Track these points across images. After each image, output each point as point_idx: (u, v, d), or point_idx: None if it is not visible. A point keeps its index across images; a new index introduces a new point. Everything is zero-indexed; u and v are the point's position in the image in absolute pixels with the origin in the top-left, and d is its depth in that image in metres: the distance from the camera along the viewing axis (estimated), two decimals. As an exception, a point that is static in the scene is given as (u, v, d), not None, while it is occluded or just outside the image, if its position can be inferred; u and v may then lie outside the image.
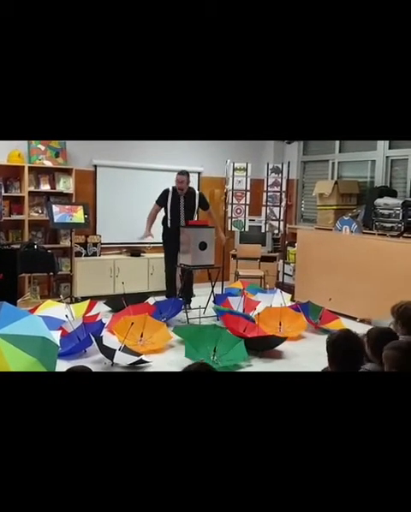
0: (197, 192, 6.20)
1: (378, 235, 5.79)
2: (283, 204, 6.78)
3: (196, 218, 6.17)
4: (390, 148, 6.33)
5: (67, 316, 4.67)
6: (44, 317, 4.64)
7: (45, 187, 6.22)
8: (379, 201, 5.89)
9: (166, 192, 6.09)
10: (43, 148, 6.16)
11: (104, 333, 4.65)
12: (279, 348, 4.64)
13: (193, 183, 7.44)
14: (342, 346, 2.45)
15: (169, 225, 6.07)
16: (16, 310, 3.67)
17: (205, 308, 5.69)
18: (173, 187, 6.06)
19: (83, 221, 6.19)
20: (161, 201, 6.08)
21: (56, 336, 3.88)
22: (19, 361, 3.13)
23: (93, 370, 2.57)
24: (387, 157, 6.37)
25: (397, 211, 5.66)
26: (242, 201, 6.78)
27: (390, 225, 5.73)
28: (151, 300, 5.57)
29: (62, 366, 3.46)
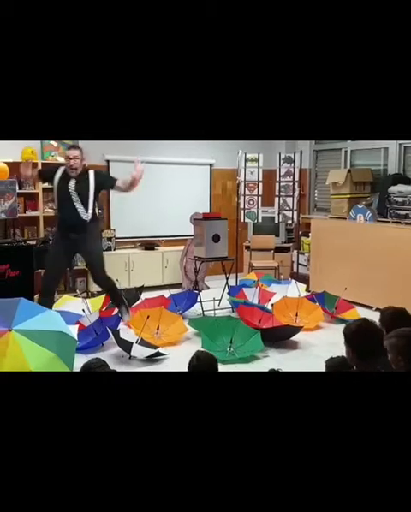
0: (91, 172, 4.63)
1: (393, 222, 5.75)
2: (296, 194, 6.75)
3: (95, 206, 4.62)
4: (403, 135, 6.26)
5: (84, 310, 4.73)
6: (61, 312, 4.70)
7: (59, 183, 6.25)
8: (393, 189, 5.84)
9: (53, 169, 4.67)
10: (55, 144, 6.20)
11: (121, 326, 4.70)
12: (295, 338, 4.65)
13: (205, 175, 7.47)
14: (363, 338, 2.40)
15: (58, 222, 4.75)
16: (34, 306, 3.71)
17: (220, 300, 5.70)
18: (63, 168, 4.58)
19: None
20: (45, 173, 4.78)
21: (73, 331, 3.93)
22: (37, 356, 3.18)
23: (111, 363, 2.62)
24: (400, 144, 6.30)
25: (412, 199, 5.61)
26: (255, 192, 6.76)
27: (404, 213, 5.68)
28: (166, 293, 5.60)
29: (80, 360, 3.51)
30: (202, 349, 2.74)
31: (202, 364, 2.60)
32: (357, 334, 2.42)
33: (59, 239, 4.70)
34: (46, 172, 4.75)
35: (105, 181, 4.72)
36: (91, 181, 4.54)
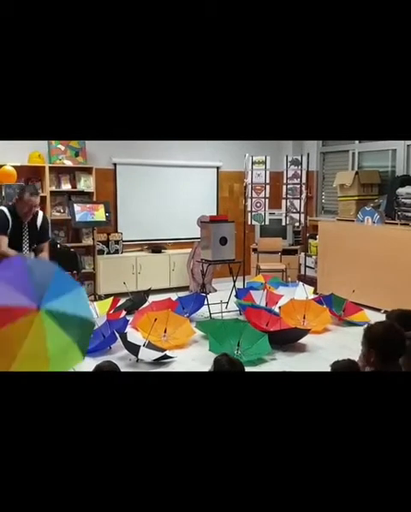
0: (41, 214, 4.29)
1: (401, 224, 5.72)
2: (304, 196, 6.74)
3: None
4: (410, 136, 6.23)
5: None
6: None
7: (66, 187, 6.29)
8: (401, 191, 5.81)
9: (3, 215, 4.06)
10: (63, 148, 6.23)
11: (128, 329, 4.70)
12: (303, 341, 4.63)
13: (212, 178, 7.47)
14: (390, 342, 2.37)
15: None
16: (67, 279, 3.33)
17: (228, 303, 5.70)
18: (9, 208, 4.14)
19: (104, 219, 6.26)
20: (4, 229, 4.03)
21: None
22: (58, 341, 2.95)
23: (119, 365, 2.61)
24: (408, 145, 6.27)
25: (420, 200, 5.58)
26: (262, 195, 6.75)
27: (412, 214, 5.65)
28: (173, 296, 5.60)
29: (88, 363, 3.50)
30: (227, 354, 2.66)
31: (235, 370, 2.50)
32: (383, 337, 2.39)
33: None
34: (3, 228, 4.04)
35: (43, 236, 4.31)
36: (38, 224, 4.23)
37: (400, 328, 2.46)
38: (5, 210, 4.10)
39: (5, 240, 4.00)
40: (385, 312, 5.30)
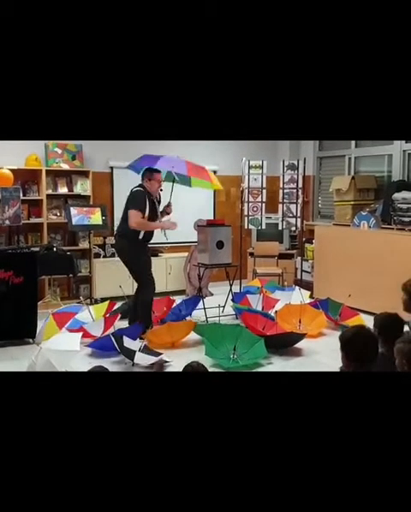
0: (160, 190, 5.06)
1: (397, 229, 5.73)
2: (300, 200, 6.75)
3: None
4: (406, 142, 6.26)
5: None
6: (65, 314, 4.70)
7: (63, 190, 6.29)
8: (397, 195, 5.83)
9: (143, 194, 4.83)
10: (60, 151, 6.22)
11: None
12: (299, 345, 4.63)
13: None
14: (359, 345, 2.46)
15: (141, 238, 4.87)
16: None
17: (224, 307, 5.69)
18: (144, 189, 4.87)
19: (101, 222, 6.26)
20: (144, 206, 4.78)
21: (76, 337, 3.92)
22: None
23: (115, 370, 2.61)
24: (404, 150, 6.30)
25: (416, 205, 5.60)
26: (259, 199, 6.77)
27: (408, 219, 5.66)
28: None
29: (83, 364, 3.50)
30: (196, 361, 2.78)
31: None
32: (353, 341, 2.48)
33: (146, 253, 5.03)
34: (143, 205, 4.82)
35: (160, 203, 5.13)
36: (159, 196, 5.06)
37: (370, 333, 2.55)
38: (142, 190, 4.82)
39: (140, 215, 4.72)
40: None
